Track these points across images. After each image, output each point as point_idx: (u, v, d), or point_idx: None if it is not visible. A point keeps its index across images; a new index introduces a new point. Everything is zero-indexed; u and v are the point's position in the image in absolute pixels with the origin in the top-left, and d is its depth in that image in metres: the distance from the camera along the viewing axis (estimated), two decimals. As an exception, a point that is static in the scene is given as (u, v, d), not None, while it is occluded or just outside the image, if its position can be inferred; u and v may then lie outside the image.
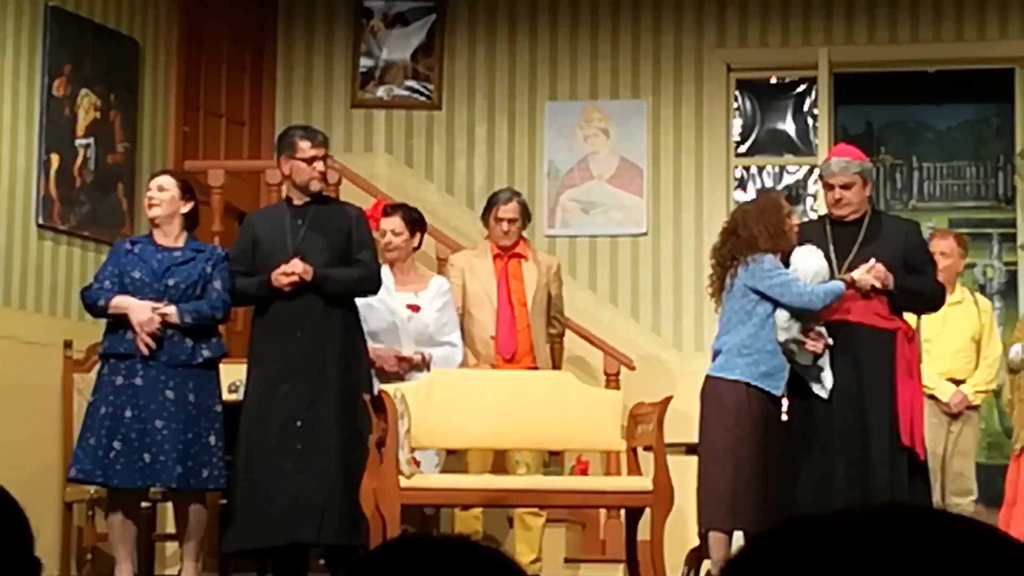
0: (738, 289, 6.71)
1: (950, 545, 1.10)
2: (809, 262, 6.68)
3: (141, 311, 6.73)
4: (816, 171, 6.91)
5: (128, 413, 6.71)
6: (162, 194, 6.94)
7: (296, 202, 7.04)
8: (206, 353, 6.80)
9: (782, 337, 6.66)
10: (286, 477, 6.65)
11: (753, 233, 6.68)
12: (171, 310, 6.73)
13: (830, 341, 6.69)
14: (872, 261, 6.72)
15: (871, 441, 6.61)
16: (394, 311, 7.71)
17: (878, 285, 6.69)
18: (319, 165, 7.00)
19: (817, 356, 6.69)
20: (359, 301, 7.05)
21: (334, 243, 6.94)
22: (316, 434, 6.70)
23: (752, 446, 6.55)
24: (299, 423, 6.71)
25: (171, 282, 6.83)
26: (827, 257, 6.79)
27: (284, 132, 7.32)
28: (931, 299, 6.92)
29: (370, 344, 7.30)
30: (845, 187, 6.81)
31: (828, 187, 6.88)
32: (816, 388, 6.74)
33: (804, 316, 6.66)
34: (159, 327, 6.72)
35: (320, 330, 6.83)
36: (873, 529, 1.10)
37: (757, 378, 6.63)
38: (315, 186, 7.01)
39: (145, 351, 6.68)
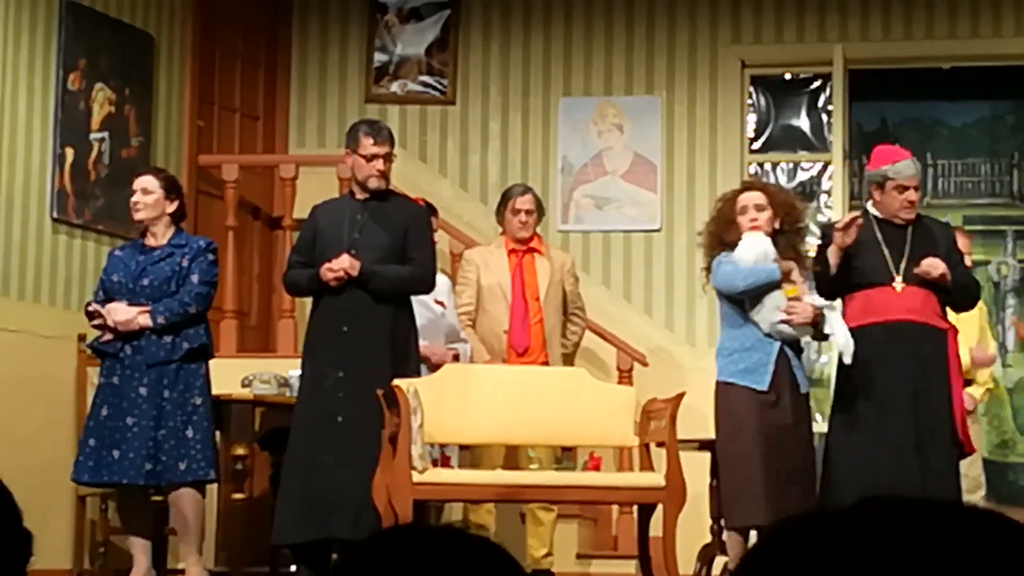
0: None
1: (970, 537, 1.09)
2: (747, 250, 6.63)
3: (121, 312, 6.78)
4: (888, 171, 6.64)
5: (104, 412, 6.76)
6: (147, 197, 6.94)
7: (359, 196, 7.01)
8: (185, 346, 6.83)
9: (766, 328, 6.63)
10: (327, 472, 6.65)
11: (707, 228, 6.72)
12: (145, 319, 6.77)
13: (820, 302, 6.61)
14: (935, 260, 6.63)
15: (931, 442, 6.50)
16: (430, 307, 7.73)
17: (938, 275, 6.58)
18: (379, 163, 6.97)
19: (815, 325, 6.63)
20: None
21: (391, 239, 6.91)
22: (360, 429, 6.68)
23: (743, 443, 6.53)
24: (340, 418, 6.70)
25: (145, 282, 6.86)
26: (881, 256, 6.67)
27: (352, 126, 7.23)
28: (975, 295, 6.89)
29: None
30: (916, 189, 6.73)
31: (902, 189, 6.70)
32: (845, 357, 6.63)
33: (758, 299, 6.62)
34: (135, 327, 6.77)
35: (368, 326, 6.80)
36: (888, 524, 1.10)
37: (738, 375, 6.62)
38: (373, 183, 6.97)
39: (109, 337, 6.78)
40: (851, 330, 6.62)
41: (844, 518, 1.12)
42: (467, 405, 6.91)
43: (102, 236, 8.40)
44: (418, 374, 7.01)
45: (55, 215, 8.10)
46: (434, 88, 9.72)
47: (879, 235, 6.73)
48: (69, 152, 8.17)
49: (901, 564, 1.07)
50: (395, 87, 9.74)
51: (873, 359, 6.60)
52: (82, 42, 8.27)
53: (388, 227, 6.92)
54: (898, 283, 6.67)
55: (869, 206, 6.84)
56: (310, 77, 9.80)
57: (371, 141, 6.96)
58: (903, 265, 6.68)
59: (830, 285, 6.72)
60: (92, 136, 8.33)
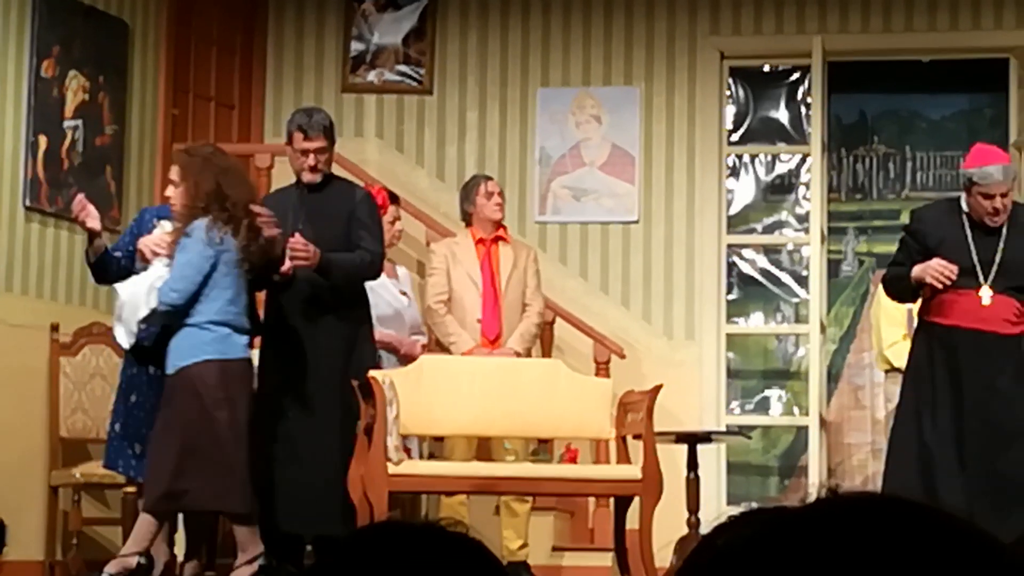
0: None
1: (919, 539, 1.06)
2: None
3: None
4: (974, 175, 6.36)
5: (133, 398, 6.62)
6: None
7: (303, 185, 6.99)
8: None
9: None
10: (301, 466, 6.61)
11: None
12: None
13: None
14: None
15: (1011, 443, 6.37)
16: (397, 297, 7.72)
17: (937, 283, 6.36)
18: (310, 159, 6.91)
19: None
20: (366, 286, 7.00)
21: (333, 229, 6.88)
22: (328, 425, 6.65)
23: None
24: (313, 416, 6.68)
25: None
26: (969, 259, 6.41)
27: (290, 117, 7.21)
28: None
29: (379, 329, 7.28)
30: (1005, 195, 6.38)
31: (987, 196, 6.36)
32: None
33: None
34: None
35: (329, 317, 6.79)
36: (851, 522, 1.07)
37: None
38: (306, 178, 6.94)
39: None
40: (931, 325, 6.48)
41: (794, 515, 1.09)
42: (443, 397, 6.88)
43: (75, 225, 8.31)
44: (374, 360, 6.99)
45: (28, 203, 8.04)
46: (411, 78, 9.67)
47: (968, 234, 6.46)
48: (42, 140, 8.10)
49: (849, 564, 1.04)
50: (372, 76, 9.69)
51: (943, 361, 6.44)
52: (56, 29, 8.20)
53: (330, 216, 6.91)
54: (985, 292, 6.40)
55: (962, 198, 6.54)
56: (286, 66, 9.75)
57: (301, 136, 6.92)
58: (993, 272, 6.42)
59: (905, 298, 6.62)
60: (66, 124, 8.27)
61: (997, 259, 6.43)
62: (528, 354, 8.00)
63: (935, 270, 6.38)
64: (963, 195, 6.56)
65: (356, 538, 1.30)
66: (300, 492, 6.64)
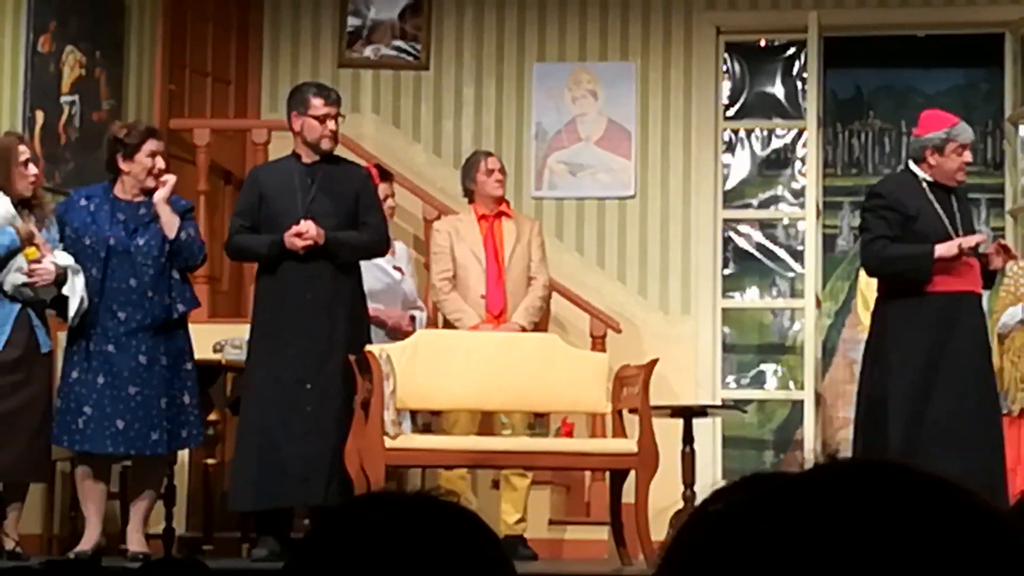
0: None
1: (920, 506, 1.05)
2: None
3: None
4: (952, 132, 6.73)
5: (100, 379, 6.64)
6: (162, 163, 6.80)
7: (306, 160, 6.98)
8: (181, 308, 6.76)
9: (9, 290, 6.55)
10: (296, 440, 6.64)
11: None
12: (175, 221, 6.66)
13: (62, 261, 6.55)
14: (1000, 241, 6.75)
15: (980, 413, 6.55)
16: (388, 272, 7.73)
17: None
18: (331, 124, 6.94)
19: (58, 284, 6.56)
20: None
21: (343, 205, 6.91)
22: (325, 397, 6.68)
23: None
24: (309, 386, 6.69)
25: (140, 242, 6.71)
26: (941, 224, 6.66)
27: (297, 88, 7.23)
28: None
29: (368, 304, 7.31)
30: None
31: (962, 151, 6.76)
32: (73, 319, 6.61)
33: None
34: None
35: (329, 293, 6.81)
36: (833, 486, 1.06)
37: None
38: (326, 144, 6.97)
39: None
40: (933, 295, 6.60)
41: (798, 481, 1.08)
42: (440, 371, 6.90)
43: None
44: (370, 338, 7.02)
45: (25, 179, 8.04)
46: (408, 53, 9.67)
47: (933, 200, 6.73)
48: (39, 115, 8.11)
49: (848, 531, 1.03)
50: (368, 52, 9.69)
51: (947, 326, 6.59)
52: (52, 4, 8.20)
53: (339, 193, 6.93)
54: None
55: (915, 169, 6.81)
56: (283, 41, 9.74)
57: (321, 102, 6.95)
58: (959, 233, 6.70)
59: (922, 276, 6.65)
60: (63, 99, 8.27)
61: (958, 222, 6.74)
62: (534, 328, 8.02)
63: (965, 248, 6.61)
64: (919, 164, 6.80)
65: (349, 507, 1.31)
66: (312, 466, 6.66)
